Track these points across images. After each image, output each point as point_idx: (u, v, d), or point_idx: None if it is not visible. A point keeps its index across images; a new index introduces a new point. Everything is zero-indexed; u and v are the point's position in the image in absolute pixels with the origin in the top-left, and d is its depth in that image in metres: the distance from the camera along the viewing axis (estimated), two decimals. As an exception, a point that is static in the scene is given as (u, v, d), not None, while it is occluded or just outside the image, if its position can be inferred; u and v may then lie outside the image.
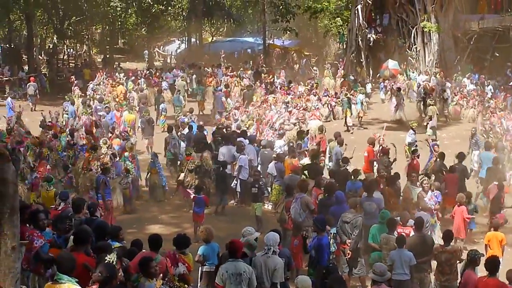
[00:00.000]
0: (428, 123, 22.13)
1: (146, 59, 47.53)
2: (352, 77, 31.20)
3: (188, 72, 33.41)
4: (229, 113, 23.87)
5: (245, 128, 20.42)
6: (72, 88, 29.02)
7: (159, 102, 25.67)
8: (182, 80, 30.47)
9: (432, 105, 23.19)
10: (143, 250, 8.51)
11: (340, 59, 35.45)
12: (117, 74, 32.21)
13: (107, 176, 14.17)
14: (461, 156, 15.78)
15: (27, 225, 8.59)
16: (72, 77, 32.10)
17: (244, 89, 29.08)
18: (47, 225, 8.98)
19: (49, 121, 20.74)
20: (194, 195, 14.06)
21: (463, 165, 15.62)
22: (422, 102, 25.56)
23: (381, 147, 16.66)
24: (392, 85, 27.94)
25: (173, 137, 18.53)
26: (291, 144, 18.03)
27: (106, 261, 7.14)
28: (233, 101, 26.99)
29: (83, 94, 27.90)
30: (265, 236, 8.67)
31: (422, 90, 26.15)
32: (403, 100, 25.88)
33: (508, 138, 19.29)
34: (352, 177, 14.20)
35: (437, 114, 23.08)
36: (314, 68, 38.11)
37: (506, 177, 15.65)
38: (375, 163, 16.54)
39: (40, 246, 8.26)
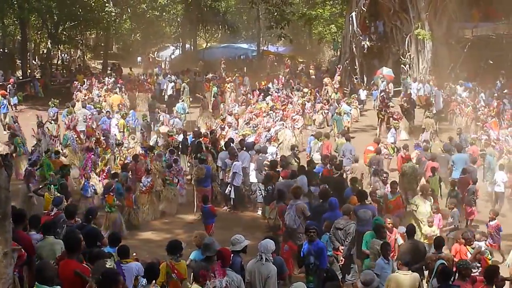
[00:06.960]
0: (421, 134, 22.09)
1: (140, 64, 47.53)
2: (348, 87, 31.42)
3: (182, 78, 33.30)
4: (224, 119, 23.57)
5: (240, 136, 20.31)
6: (74, 93, 28.26)
7: (153, 108, 25.48)
8: (184, 82, 30.57)
9: (428, 117, 23.12)
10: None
11: (336, 66, 35.26)
12: (107, 78, 31.90)
13: None
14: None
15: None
16: (75, 82, 31.22)
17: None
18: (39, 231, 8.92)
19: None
20: (202, 205, 13.80)
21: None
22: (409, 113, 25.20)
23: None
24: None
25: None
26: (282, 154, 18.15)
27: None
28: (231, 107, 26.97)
29: (85, 99, 26.75)
30: (259, 243, 8.64)
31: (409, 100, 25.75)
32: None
33: (496, 147, 19.29)
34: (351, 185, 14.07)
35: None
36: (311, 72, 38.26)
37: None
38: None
39: None
